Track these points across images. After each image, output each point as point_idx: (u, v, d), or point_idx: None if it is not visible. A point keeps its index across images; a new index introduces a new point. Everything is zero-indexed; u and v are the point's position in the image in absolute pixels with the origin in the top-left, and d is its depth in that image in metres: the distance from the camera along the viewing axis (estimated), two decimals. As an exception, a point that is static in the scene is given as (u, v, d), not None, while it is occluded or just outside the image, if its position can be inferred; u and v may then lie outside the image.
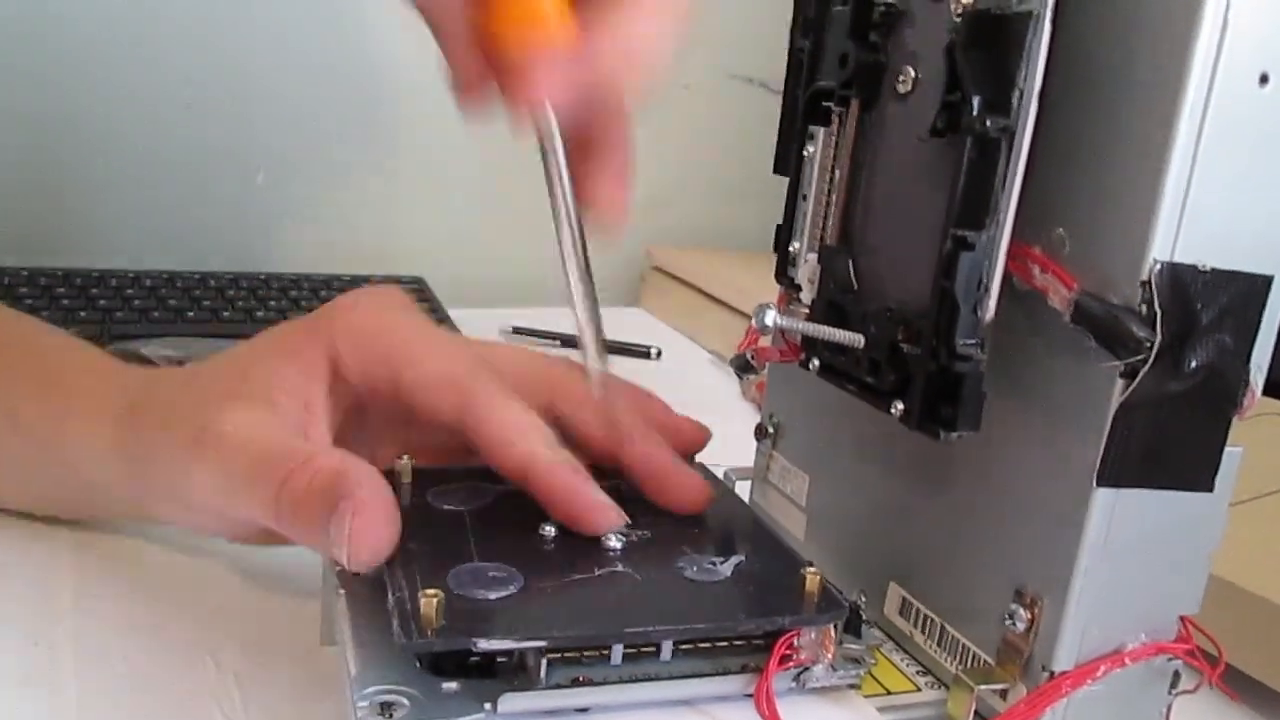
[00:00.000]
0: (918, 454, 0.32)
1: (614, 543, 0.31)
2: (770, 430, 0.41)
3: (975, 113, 0.26)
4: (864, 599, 0.35)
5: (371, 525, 0.28)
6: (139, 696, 0.31)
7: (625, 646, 0.28)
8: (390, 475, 0.33)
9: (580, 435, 0.35)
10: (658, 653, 0.28)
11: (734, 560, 0.31)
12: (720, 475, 0.41)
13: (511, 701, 0.26)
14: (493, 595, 0.27)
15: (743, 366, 0.37)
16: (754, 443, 0.41)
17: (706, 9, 0.91)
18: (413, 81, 0.85)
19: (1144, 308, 0.25)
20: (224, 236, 0.83)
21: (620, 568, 0.30)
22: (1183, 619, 0.29)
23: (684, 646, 0.29)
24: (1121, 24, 0.26)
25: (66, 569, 0.38)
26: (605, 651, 0.28)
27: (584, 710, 0.28)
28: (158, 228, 0.81)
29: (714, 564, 0.30)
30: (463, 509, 0.32)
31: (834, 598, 0.29)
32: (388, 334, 0.34)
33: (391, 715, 0.26)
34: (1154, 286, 0.25)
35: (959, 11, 0.27)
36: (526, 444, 0.32)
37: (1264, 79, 0.25)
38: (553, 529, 0.31)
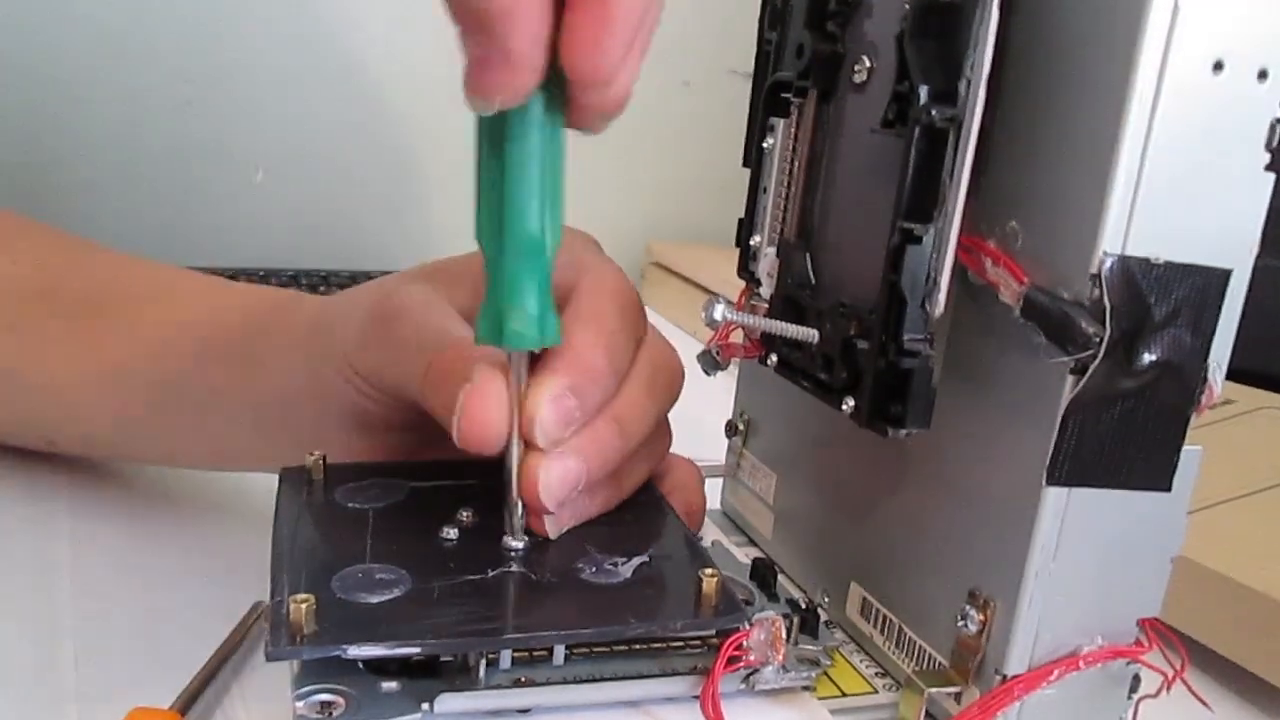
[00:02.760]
0: (878, 452, 0.32)
1: (515, 543, 0.30)
2: (740, 427, 0.40)
3: (922, 103, 0.25)
4: (827, 599, 0.34)
5: (480, 411, 0.28)
6: (139, 697, 0.30)
7: (567, 648, 0.27)
8: (300, 472, 0.33)
9: None
10: (588, 652, 0.28)
11: (636, 561, 0.29)
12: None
13: (449, 701, 0.26)
14: (374, 599, 0.26)
15: (710, 363, 0.37)
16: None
17: (706, 5, 0.89)
18: (413, 79, 0.85)
19: (1093, 302, 0.24)
20: (223, 234, 0.83)
21: (515, 569, 0.29)
22: (1145, 622, 0.28)
23: (620, 648, 0.28)
24: (1074, 10, 0.25)
25: (66, 568, 0.37)
26: (547, 651, 0.28)
27: (525, 711, 0.27)
28: (156, 225, 0.81)
29: (615, 565, 0.29)
30: (368, 507, 0.31)
31: (734, 601, 0.28)
32: None
33: (330, 715, 0.26)
34: (1103, 280, 0.24)
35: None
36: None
37: (1218, 66, 0.24)
38: (455, 530, 0.30)
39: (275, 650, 0.24)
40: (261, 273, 0.75)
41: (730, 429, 0.41)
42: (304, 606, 0.25)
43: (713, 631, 0.29)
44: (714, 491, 0.42)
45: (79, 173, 0.79)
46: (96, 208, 0.80)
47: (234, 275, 0.74)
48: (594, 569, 0.29)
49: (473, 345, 0.29)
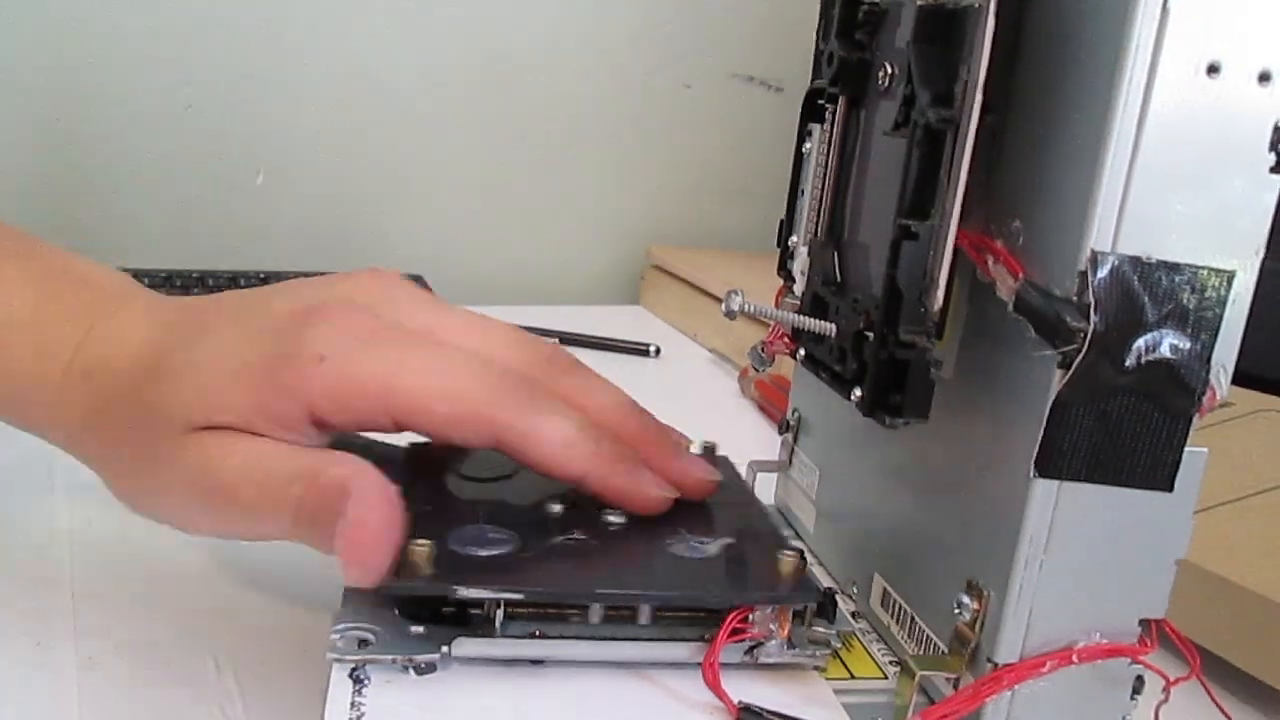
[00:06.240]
0: (897, 446, 0.33)
1: (614, 518, 0.32)
2: (792, 424, 0.42)
3: (921, 105, 0.26)
4: (855, 590, 0.35)
5: (362, 548, 0.28)
6: (139, 696, 0.32)
7: (604, 608, 0.30)
8: (425, 447, 0.36)
9: None
10: (634, 616, 0.30)
11: (723, 541, 0.32)
12: (744, 468, 0.42)
13: (464, 646, 0.29)
14: (483, 553, 0.30)
15: (758, 359, 0.38)
16: (750, 439, 0.42)
17: (708, 8, 0.89)
18: (412, 80, 0.86)
19: (1080, 298, 0.25)
20: (223, 236, 0.84)
21: (611, 541, 0.31)
22: (1156, 623, 0.28)
23: (626, 611, 0.30)
24: (1073, 13, 0.26)
25: (66, 569, 0.38)
26: (566, 610, 0.30)
27: (538, 662, 0.30)
28: (157, 227, 0.82)
29: (702, 543, 0.31)
30: (481, 478, 0.34)
31: (809, 582, 0.30)
32: (376, 384, 0.30)
33: (361, 648, 0.29)
34: (1089, 276, 0.25)
35: (917, 7, 0.27)
36: (578, 459, 0.31)
37: (1213, 69, 0.24)
38: (559, 506, 0.33)
39: (394, 584, 0.28)
40: (262, 275, 0.76)
41: (783, 426, 0.42)
42: (422, 550, 0.28)
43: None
44: (768, 487, 0.43)
45: (79, 175, 0.80)
46: (97, 210, 0.81)
47: (234, 278, 0.74)
48: (684, 545, 0.32)
49: (331, 466, 0.29)
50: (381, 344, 0.31)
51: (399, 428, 0.31)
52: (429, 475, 0.35)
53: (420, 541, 0.28)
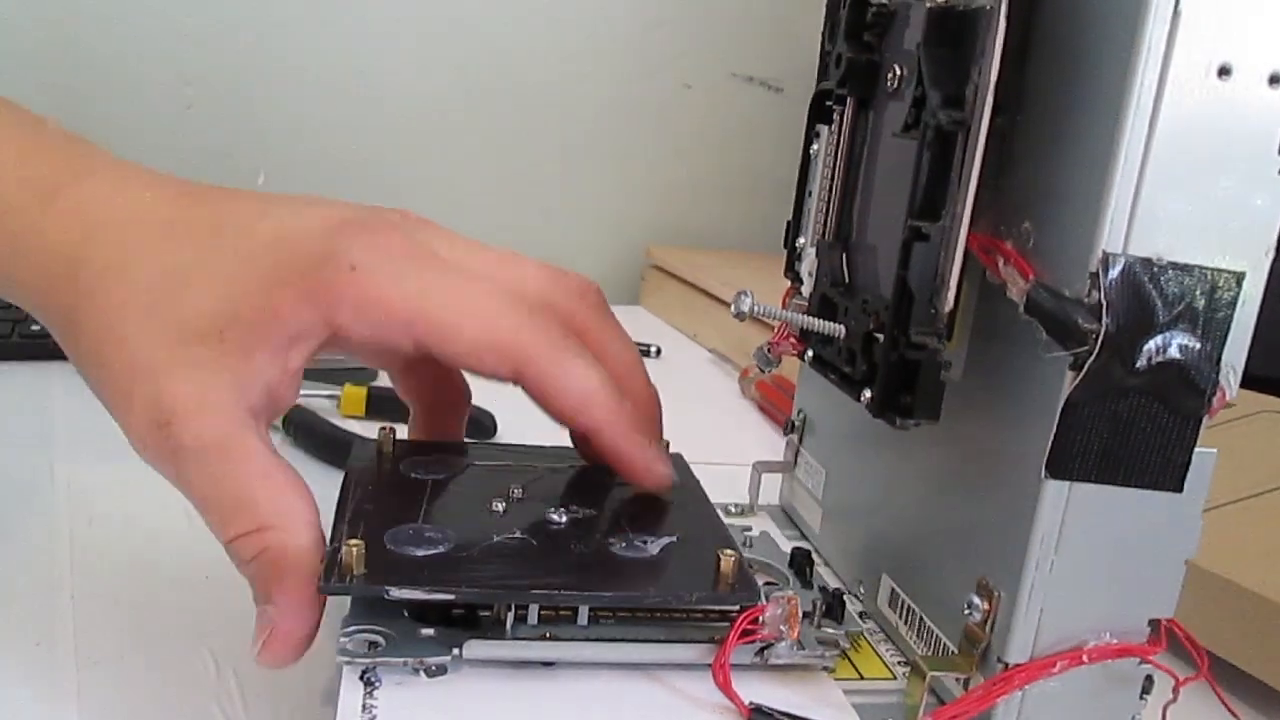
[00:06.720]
0: (906, 447, 0.33)
1: (557, 517, 0.32)
2: (797, 425, 0.42)
3: (933, 107, 0.26)
4: (863, 589, 0.35)
5: (280, 655, 0.28)
6: (139, 696, 0.32)
7: (590, 610, 0.30)
8: (371, 443, 0.36)
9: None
10: (611, 618, 0.30)
11: (665, 541, 0.31)
12: (749, 469, 0.42)
13: (475, 648, 0.29)
14: (420, 552, 0.29)
15: (764, 359, 0.38)
16: (751, 439, 0.42)
17: (709, 8, 0.89)
18: (412, 81, 0.86)
19: (1091, 299, 0.25)
20: None
21: (552, 540, 0.31)
22: (1165, 623, 0.28)
23: (642, 614, 0.30)
24: (1085, 17, 0.26)
25: (66, 569, 0.38)
26: (572, 612, 0.30)
27: (549, 664, 0.30)
28: None
29: (644, 543, 0.31)
30: (428, 478, 0.34)
31: (749, 581, 0.30)
32: (406, 304, 0.30)
33: (371, 650, 0.29)
34: (1100, 278, 0.25)
35: (927, 9, 0.28)
36: (598, 410, 0.31)
37: (1224, 71, 0.24)
38: (503, 504, 0.32)
39: (326, 585, 0.28)
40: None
41: (788, 426, 0.42)
42: (355, 550, 0.28)
43: (736, 607, 0.30)
44: (773, 488, 0.43)
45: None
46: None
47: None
48: (624, 545, 0.31)
49: (280, 528, 0.28)
50: (416, 264, 0.30)
51: (420, 350, 0.30)
52: (375, 471, 0.35)
53: (353, 542, 0.28)
